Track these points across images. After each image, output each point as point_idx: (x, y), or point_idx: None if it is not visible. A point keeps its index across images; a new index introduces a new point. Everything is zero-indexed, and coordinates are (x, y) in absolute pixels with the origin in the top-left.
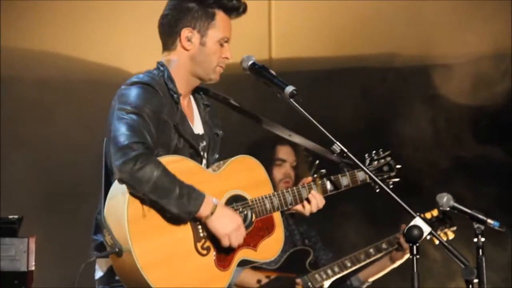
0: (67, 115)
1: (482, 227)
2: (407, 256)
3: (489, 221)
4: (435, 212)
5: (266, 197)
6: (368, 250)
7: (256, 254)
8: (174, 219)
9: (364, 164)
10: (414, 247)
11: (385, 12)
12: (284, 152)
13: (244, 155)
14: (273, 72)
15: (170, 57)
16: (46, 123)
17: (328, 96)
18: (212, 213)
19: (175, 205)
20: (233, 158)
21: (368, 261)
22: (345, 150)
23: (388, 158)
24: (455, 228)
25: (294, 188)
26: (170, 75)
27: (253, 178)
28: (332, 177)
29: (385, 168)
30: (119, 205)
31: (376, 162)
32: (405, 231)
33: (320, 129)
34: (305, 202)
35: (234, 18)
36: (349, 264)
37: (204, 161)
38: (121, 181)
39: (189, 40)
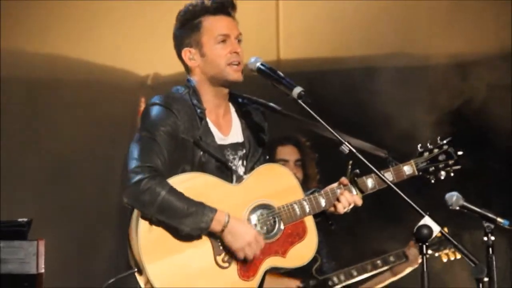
0: (76, 117)
1: (492, 226)
2: (409, 269)
3: (499, 220)
4: (445, 229)
5: (295, 203)
6: (375, 262)
7: (285, 261)
8: (189, 236)
9: (415, 156)
10: (424, 246)
11: (394, 12)
12: (285, 152)
13: (270, 163)
14: (280, 73)
15: (190, 78)
16: (53, 125)
17: (336, 96)
18: (224, 228)
19: (185, 223)
20: (257, 168)
21: (374, 272)
22: (354, 150)
23: (446, 147)
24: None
25: (329, 190)
26: (196, 90)
27: (280, 186)
28: (373, 174)
29: (441, 157)
30: (134, 227)
31: (427, 153)
32: (414, 230)
33: (328, 129)
34: (336, 202)
35: (229, 15)
36: (355, 273)
37: (243, 169)
38: (127, 204)
39: (191, 59)
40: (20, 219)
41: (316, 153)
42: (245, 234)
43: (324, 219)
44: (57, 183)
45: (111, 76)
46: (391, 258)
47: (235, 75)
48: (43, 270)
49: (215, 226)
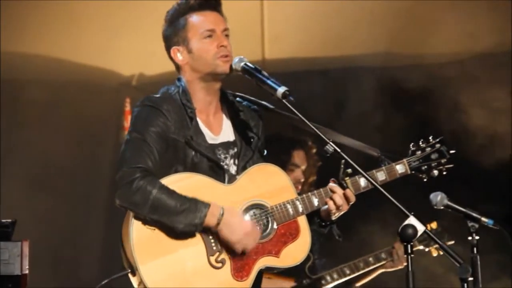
0: (60, 118)
1: (476, 226)
2: (398, 267)
3: (483, 219)
4: (434, 225)
5: (288, 202)
6: (367, 259)
7: (278, 261)
8: (183, 235)
9: (407, 155)
10: (409, 246)
11: (378, 12)
12: (299, 158)
13: (263, 163)
14: (265, 73)
15: (181, 76)
16: (43, 125)
17: (322, 96)
18: (219, 222)
19: (179, 220)
20: (250, 168)
21: (367, 269)
22: (339, 150)
23: (438, 145)
24: (452, 242)
25: (321, 189)
26: (185, 89)
27: (273, 185)
28: (367, 173)
29: (434, 156)
30: (127, 228)
31: (419, 152)
32: (399, 230)
33: (313, 128)
34: (327, 199)
35: (215, 10)
36: (348, 272)
37: (235, 168)
38: (120, 206)
39: (180, 57)
40: (4, 220)
41: (315, 154)
42: (241, 226)
43: (318, 224)
44: (43, 183)
45: (95, 76)
46: (383, 255)
47: (223, 66)
48: (27, 271)
49: (210, 220)
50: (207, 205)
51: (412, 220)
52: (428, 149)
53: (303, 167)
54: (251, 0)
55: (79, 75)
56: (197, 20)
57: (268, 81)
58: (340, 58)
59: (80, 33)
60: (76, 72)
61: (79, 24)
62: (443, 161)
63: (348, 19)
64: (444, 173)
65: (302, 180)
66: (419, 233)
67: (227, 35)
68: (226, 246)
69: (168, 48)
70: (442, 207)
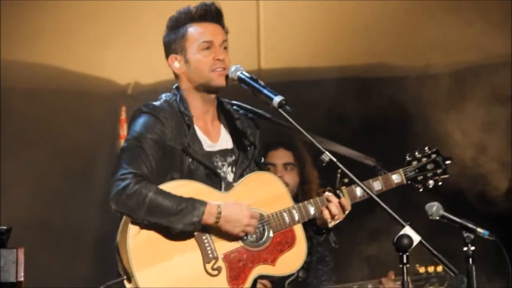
0: (55, 126)
1: (472, 236)
2: None
3: (479, 230)
4: (439, 268)
5: (284, 211)
6: (351, 287)
7: (274, 269)
8: (180, 242)
9: (403, 165)
10: (404, 256)
11: (375, 23)
12: (274, 156)
13: (259, 171)
14: (261, 82)
15: (178, 85)
16: (33, 134)
17: (318, 106)
18: (218, 220)
19: (177, 220)
20: (246, 176)
21: None
22: (334, 160)
23: (434, 155)
24: None
25: (318, 198)
26: (182, 98)
27: (269, 193)
28: (362, 183)
29: (429, 167)
30: (124, 234)
31: (415, 162)
32: (395, 240)
33: (308, 137)
34: (323, 208)
35: (215, 22)
36: None
37: (232, 176)
38: (116, 211)
39: (177, 65)
40: None
41: (310, 155)
42: (240, 218)
43: (315, 232)
44: (38, 190)
45: (91, 85)
46: (369, 286)
47: (218, 80)
48: (22, 278)
49: (208, 218)
50: (204, 203)
51: (407, 230)
52: (424, 159)
53: (281, 163)
54: (248, 9)
55: (74, 83)
56: (196, 31)
57: (264, 91)
58: (336, 68)
59: (75, 42)
60: (71, 80)
61: (74, 32)
62: (439, 171)
63: (345, 29)
64: (440, 183)
65: (283, 176)
66: (414, 243)
67: (225, 48)
68: (223, 255)
69: (166, 54)
70: (437, 218)
